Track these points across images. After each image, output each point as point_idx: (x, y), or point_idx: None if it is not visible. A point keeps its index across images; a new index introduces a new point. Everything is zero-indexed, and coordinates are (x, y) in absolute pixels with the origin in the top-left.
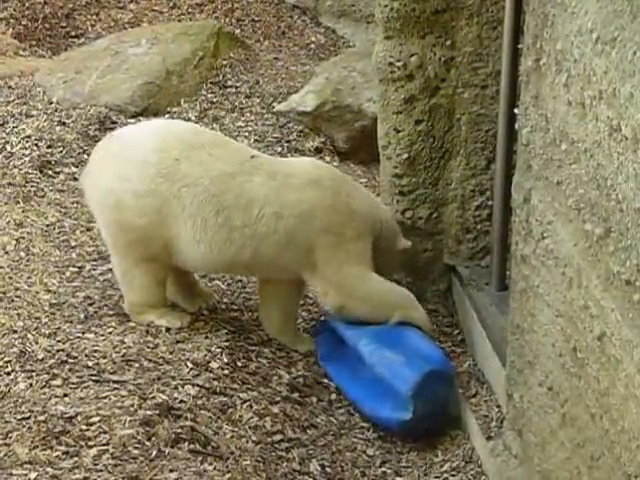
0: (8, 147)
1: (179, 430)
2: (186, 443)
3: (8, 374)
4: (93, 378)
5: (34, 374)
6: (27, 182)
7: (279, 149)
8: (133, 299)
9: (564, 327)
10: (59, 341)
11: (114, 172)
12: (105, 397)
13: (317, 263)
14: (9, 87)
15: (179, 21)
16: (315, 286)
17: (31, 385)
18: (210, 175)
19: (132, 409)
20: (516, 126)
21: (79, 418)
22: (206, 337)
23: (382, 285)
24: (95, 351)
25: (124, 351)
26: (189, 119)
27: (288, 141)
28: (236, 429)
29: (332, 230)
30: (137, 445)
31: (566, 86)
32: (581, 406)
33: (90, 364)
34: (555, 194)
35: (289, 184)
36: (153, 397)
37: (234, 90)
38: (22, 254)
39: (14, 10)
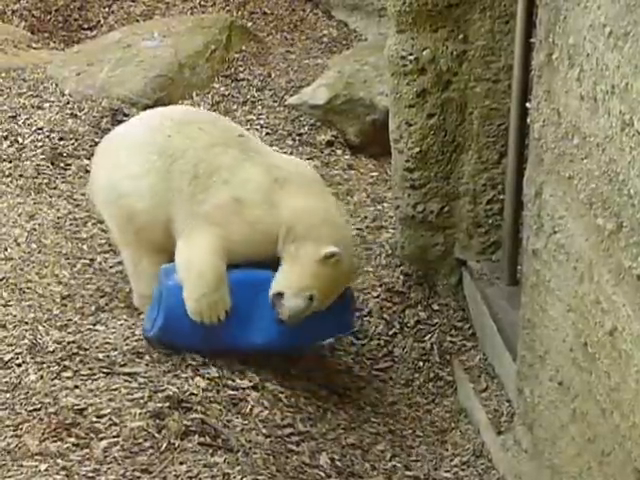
0: (20, 139)
1: (189, 423)
2: (196, 436)
3: (19, 366)
4: (104, 370)
5: (45, 366)
6: (39, 174)
7: (290, 142)
8: (142, 291)
9: (575, 322)
10: (70, 333)
11: (111, 164)
12: (115, 389)
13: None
14: (22, 79)
15: (192, 14)
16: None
17: (42, 377)
18: (195, 146)
19: (142, 401)
20: (528, 120)
21: (89, 410)
22: None
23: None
24: (106, 343)
25: (135, 343)
26: None
27: (300, 134)
28: (246, 422)
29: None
30: (147, 437)
31: (578, 80)
32: (592, 401)
33: (101, 356)
34: (567, 189)
35: (252, 160)
36: (163, 390)
37: (246, 83)
38: (33, 246)
39: (27, 2)
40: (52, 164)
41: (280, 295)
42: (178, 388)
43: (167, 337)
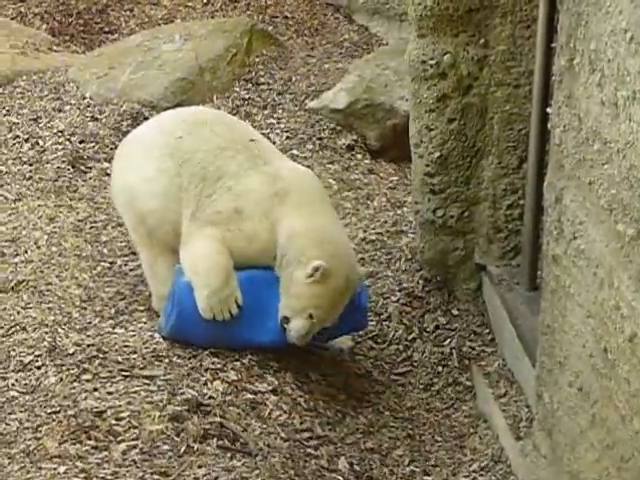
0: (41, 142)
1: (208, 426)
2: (215, 439)
3: (38, 368)
4: (123, 373)
5: (64, 368)
6: (59, 177)
7: (311, 146)
8: (159, 292)
9: (595, 328)
10: (89, 336)
11: (127, 166)
12: (135, 392)
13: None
14: (43, 82)
15: (212, 18)
16: None
17: (61, 379)
18: (204, 149)
19: (161, 404)
20: (549, 125)
21: (109, 413)
22: None
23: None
24: (125, 346)
25: (154, 346)
26: None
27: (320, 138)
28: (265, 426)
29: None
30: (166, 440)
31: (599, 86)
32: (611, 407)
33: (120, 359)
34: (587, 194)
35: (256, 169)
36: (182, 393)
37: (266, 87)
38: (54, 249)
39: (48, 6)
40: (73, 167)
41: (287, 319)
42: (197, 391)
43: (180, 334)
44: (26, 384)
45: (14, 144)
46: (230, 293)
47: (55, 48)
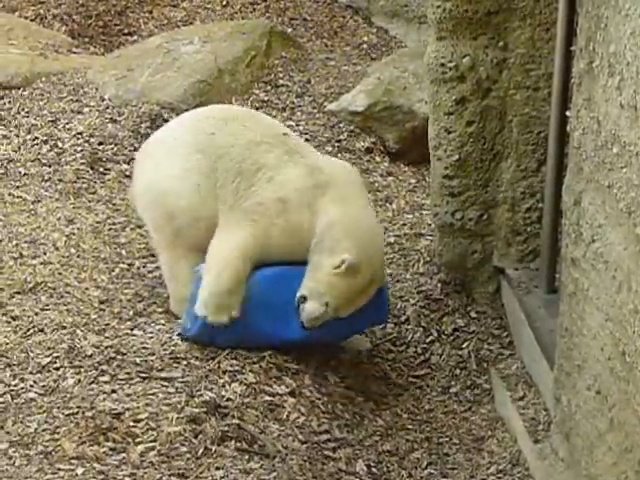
0: (60, 143)
1: (226, 428)
2: (233, 441)
3: (57, 370)
4: (141, 375)
5: (82, 370)
6: (78, 178)
7: (329, 149)
8: (179, 295)
9: (613, 331)
10: (108, 337)
11: (152, 166)
12: (153, 394)
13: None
14: (62, 84)
15: (231, 20)
16: None
17: (79, 381)
18: (239, 143)
19: (179, 406)
20: (567, 129)
21: (127, 414)
22: None
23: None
24: (143, 348)
25: (172, 348)
26: None
27: (339, 141)
28: (283, 428)
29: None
30: (184, 442)
31: (618, 89)
32: (629, 410)
33: (138, 361)
34: (606, 197)
35: (295, 161)
36: (200, 395)
37: (285, 89)
38: (72, 250)
39: (68, 7)
40: (91, 169)
41: (304, 299)
42: (215, 393)
43: (207, 335)
44: (44, 386)
45: (33, 145)
46: (230, 304)
47: (74, 50)
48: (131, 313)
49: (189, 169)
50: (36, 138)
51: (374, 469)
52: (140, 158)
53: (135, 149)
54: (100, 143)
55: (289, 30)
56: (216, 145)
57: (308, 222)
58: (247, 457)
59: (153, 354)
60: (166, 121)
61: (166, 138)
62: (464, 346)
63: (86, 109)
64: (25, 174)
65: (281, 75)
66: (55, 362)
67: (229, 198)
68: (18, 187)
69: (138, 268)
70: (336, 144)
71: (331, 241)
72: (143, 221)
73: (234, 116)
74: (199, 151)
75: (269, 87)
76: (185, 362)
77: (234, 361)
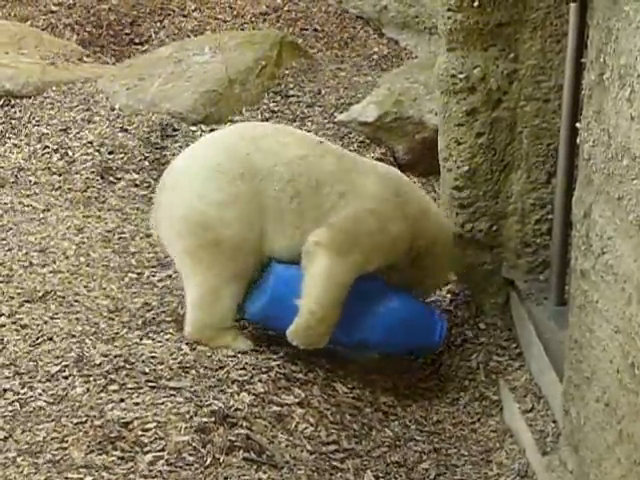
0: (70, 152)
1: (234, 438)
2: (241, 451)
3: (65, 378)
4: (150, 384)
5: (91, 379)
6: (88, 188)
7: None
8: (206, 323)
9: (622, 343)
10: (117, 346)
11: (187, 193)
12: (161, 403)
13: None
14: (72, 93)
15: (242, 30)
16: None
17: (88, 390)
18: (283, 162)
19: (188, 416)
20: (578, 140)
21: (135, 424)
22: (263, 345)
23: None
24: (152, 357)
25: (181, 358)
26: None
27: (349, 151)
28: (291, 438)
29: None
30: (192, 452)
31: (629, 101)
32: (638, 423)
33: (147, 370)
34: (616, 209)
35: (357, 168)
36: (209, 404)
37: (296, 99)
38: (82, 259)
39: (79, 16)
40: (101, 178)
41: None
42: (223, 403)
43: (268, 318)
44: (53, 394)
45: (43, 154)
46: (317, 337)
47: (85, 59)
48: (140, 322)
49: (233, 196)
50: (46, 147)
51: None
52: (168, 183)
53: (145, 158)
54: (110, 152)
55: (300, 40)
56: (256, 167)
57: (404, 230)
58: (255, 467)
59: (162, 363)
60: (176, 130)
61: (198, 162)
62: (473, 357)
63: (96, 118)
64: (35, 183)
65: (291, 85)
66: (64, 371)
67: (290, 222)
68: (28, 196)
69: (147, 277)
70: None
71: (428, 244)
72: (166, 244)
73: (263, 133)
74: (238, 176)
75: (279, 97)
76: (194, 371)
77: (243, 371)
